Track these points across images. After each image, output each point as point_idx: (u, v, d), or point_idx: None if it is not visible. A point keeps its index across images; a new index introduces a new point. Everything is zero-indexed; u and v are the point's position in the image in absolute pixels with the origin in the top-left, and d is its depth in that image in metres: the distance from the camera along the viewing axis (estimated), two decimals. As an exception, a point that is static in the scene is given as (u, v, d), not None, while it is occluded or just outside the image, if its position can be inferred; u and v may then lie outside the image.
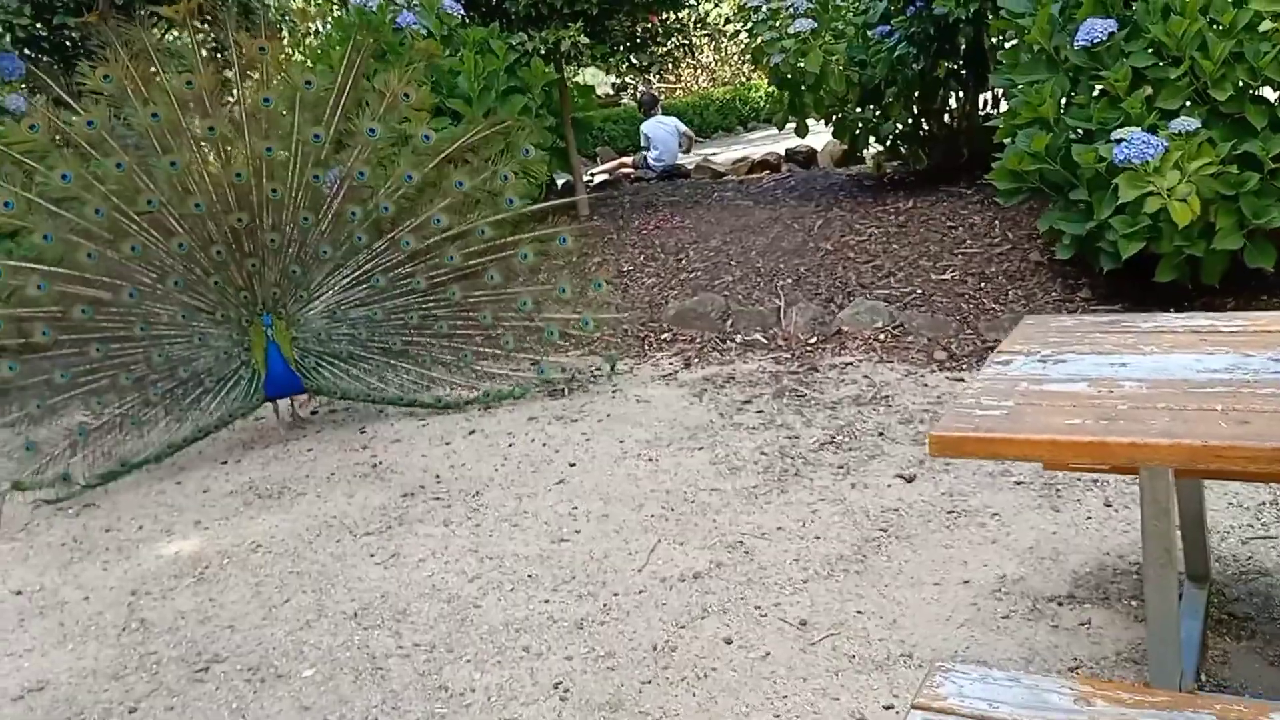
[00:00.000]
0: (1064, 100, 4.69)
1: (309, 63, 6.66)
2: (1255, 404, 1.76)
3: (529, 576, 3.37)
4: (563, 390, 4.97)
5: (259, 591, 3.48)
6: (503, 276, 4.82)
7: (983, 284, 5.44)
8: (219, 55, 4.72)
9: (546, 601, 3.20)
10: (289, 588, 3.48)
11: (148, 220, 4.43)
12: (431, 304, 4.80)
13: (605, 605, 3.13)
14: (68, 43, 7.52)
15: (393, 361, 4.85)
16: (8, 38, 6.64)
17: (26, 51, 7.32)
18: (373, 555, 3.65)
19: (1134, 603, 2.74)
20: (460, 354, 4.88)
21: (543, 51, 7.21)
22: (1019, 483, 3.53)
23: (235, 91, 4.54)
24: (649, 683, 2.71)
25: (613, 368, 5.04)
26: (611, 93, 19.92)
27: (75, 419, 4.47)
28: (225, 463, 4.71)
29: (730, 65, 20.17)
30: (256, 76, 4.57)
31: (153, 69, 4.42)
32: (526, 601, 3.21)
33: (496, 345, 4.87)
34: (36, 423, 4.42)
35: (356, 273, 4.75)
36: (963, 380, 4.62)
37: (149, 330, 4.53)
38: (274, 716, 2.79)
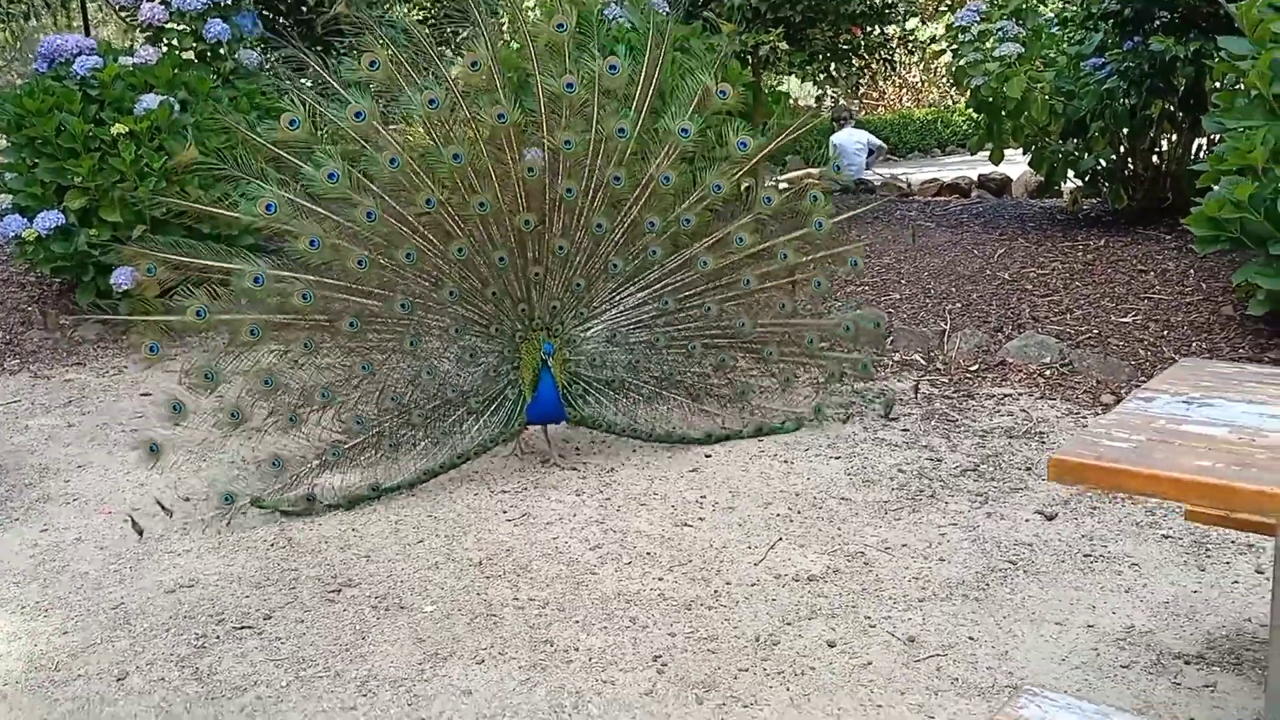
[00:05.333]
0: (1277, 150, 4.40)
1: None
2: None
3: (647, 554, 3.45)
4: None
5: (397, 529, 3.69)
6: (794, 307, 4.40)
7: (1166, 332, 5.16)
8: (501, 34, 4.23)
9: (660, 579, 3.27)
10: (424, 529, 3.68)
11: (425, 222, 3.92)
12: (715, 333, 4.34)
13: (716, 591, 3.17)
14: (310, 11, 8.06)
15: (664, 391, 4.36)
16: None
17: (265, 12, 7.92)
18: (505, 512, 3.81)
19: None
20: (736, 387, 4.48)
21: (741, 54, 7.27)
22: (1166, 536, 3.36)
23: (533, 74, 3.98)
24: (746, 670, 2.74)
25: (888, 412, 4.61)
26: (814, 104, 19.83)
27: (330, 436, 3.96)
28: (387, 409, 4.98)
29: (937, 87, 19.71)
30: (550, 54, 4.01)
31: (421, 53, 3.92)
32: (641, 577, 3.29)
33: (775, 379, 4.53)
34: (284, 433, 3.95)
35: (644, 291, 4.24)
36: (1126, 427, 4.41)
37: (419, 345, 4.05)
38: (392, 643, 2.96)
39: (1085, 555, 3.28)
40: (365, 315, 3.95)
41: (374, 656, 2.90)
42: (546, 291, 4.11)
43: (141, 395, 5.34)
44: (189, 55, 6.76)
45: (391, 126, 3.92)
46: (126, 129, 5.99)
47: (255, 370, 3.88)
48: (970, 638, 2.85)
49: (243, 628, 3.08)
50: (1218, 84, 6.18)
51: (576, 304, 4.20)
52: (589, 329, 4.25)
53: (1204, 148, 7.00)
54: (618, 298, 4.25)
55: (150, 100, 6.14)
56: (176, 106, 6.22)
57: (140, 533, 3.71)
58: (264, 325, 3.86)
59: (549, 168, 3.95)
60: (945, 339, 5.50)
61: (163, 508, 3.84)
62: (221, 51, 6.79)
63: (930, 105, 19.03)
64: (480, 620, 3.07)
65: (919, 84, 19.87)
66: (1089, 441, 1.85)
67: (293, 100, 3.84)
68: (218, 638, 3.04)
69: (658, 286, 4.24)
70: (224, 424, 3.86)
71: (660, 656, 2.83)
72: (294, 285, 3.84)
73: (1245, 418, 1.95)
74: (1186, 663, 2.66)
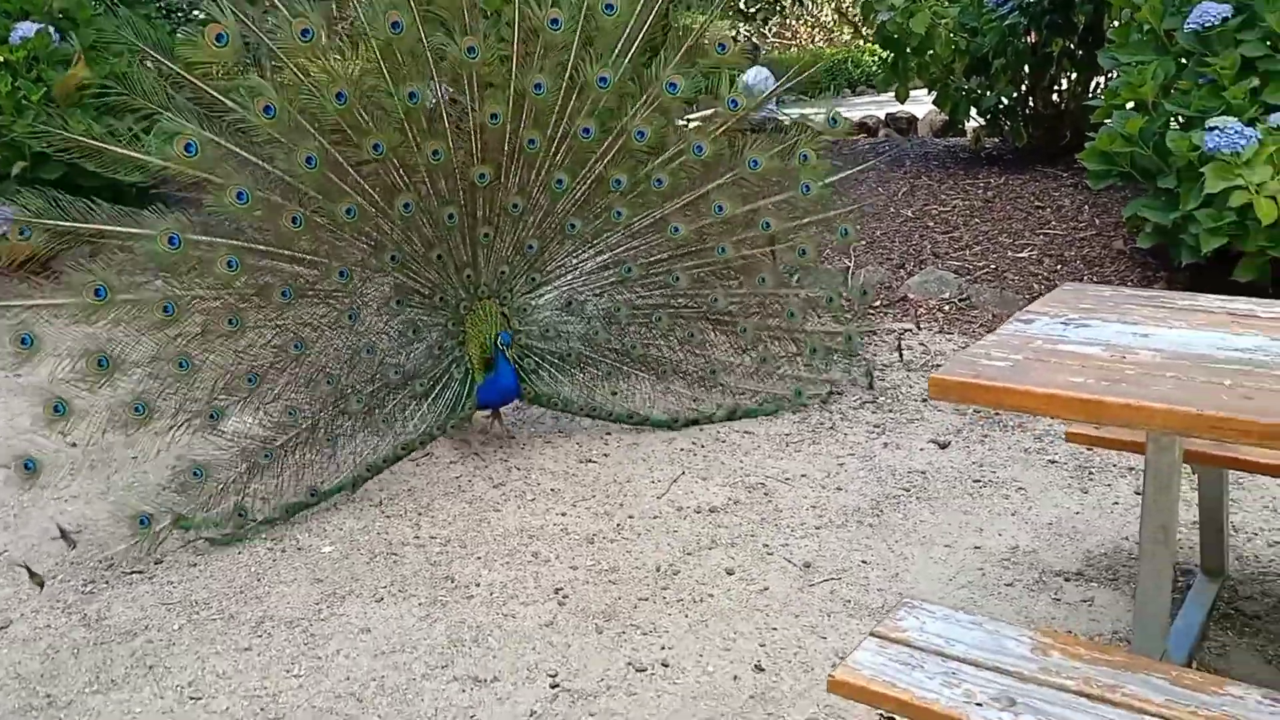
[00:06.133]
0: (1167, 85, 4.51)
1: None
2: (1266, 383, 1.71)
3: (551, 490, 3.45)
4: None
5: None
6: (774, 278, 3.98)
7: (1059, 266, 5.29)
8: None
9: (563, 515, 3.27)
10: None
11: (369, 173, 3.41)
12: (683, 303, 3.96)
13: (618, 525, 3.19)
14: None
15: (626, 368, 3.97)
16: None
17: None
18: (407, 451, 3.76)
19: (1143, 589, 2.69)
20: (707, 364, 4.06)
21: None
22: (1052, 461, 3.48)
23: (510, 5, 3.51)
24: (646, 599, 2.77)
25: (870, 383, 4.26)
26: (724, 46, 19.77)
27: (256, 432, 3.38)
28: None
29: (850, 26, 19.75)
30: None
31: None
32: (544, 512, 3.29)
33: (750, 357, 4.11)
34: (196, 433, 3.29)
35: (605, 255, 3.86)
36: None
37: (357, 320, 3.57)
38: (289, 584, 2.92)
39: (975, 481, 3.38)
40: (299, 285, 3.42)
41: (270, 598, 2.86)
42: (495, 254, 3.72)
43: (26, 340, 5.12)
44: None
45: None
46: (1, 59, 5.66)
47: (167, 355, 3.23)
48: (864, 561, 2.92)
49: (133, 572, 3.01)
50: (1115, 21, 6.30)
51: (528, 268, 3.80)
52: (541, 296, 3.86)
53: (1102, 85, 7.15)
54: (574, 261, 3.86)
55: (26, 28, 5.82)
56: (55, 35, 5.90)
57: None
58: (172, 300, 3.20)
59: (512, 115, 3.50)
60: (849, 276, 5.56)
61: (64, 535, 3.19)
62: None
63: (842, 46, 19.07)
64: (380, 559, 3.04)
65: (831, 23, 19.89)
66: (968, 361, 1.89)
67: (219, 7, 3.12)
68: (107, 583, 2.96)
69: (619, 250, 3.85)
70: (127, 421, 3.17)
71: (561, 589, 2.84)
72: (216, 251, 3.22)
73: (1119, 337, 2.01)
74: (1067, 580, 2.77)
